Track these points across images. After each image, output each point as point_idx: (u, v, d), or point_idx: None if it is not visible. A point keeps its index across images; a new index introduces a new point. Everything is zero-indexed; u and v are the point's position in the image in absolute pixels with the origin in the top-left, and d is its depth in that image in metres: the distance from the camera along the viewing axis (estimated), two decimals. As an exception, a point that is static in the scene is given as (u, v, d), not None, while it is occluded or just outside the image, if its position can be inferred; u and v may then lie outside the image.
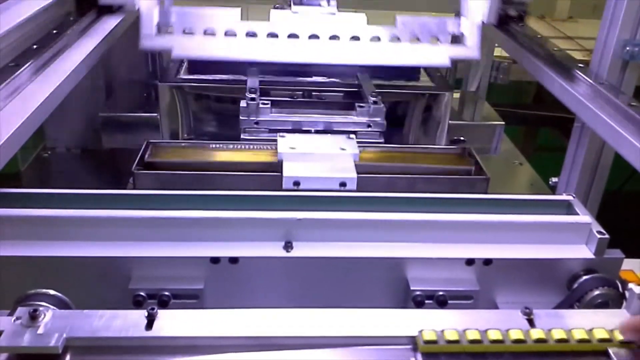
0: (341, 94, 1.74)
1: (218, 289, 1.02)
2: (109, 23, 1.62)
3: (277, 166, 1.30)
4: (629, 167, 1.14)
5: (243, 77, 1.68)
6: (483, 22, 1.65)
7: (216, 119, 1.74)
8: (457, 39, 1.68)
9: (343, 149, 1.35)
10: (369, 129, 1.52)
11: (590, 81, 1.33)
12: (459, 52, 1.63)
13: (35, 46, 1.30)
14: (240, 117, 1.49)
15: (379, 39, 1.64)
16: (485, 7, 1.65)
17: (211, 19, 1.59)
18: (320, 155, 1.34)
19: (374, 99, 1.54)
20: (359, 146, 1.40)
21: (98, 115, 1.73)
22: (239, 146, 1.44)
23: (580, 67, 1.41)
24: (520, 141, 3.58)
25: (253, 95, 1.51)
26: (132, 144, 1.64)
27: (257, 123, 1.50)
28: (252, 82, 1.64)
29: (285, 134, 1.42)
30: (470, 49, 1.61)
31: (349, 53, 1.61)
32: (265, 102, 1.51)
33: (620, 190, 3.40)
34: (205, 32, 1.58)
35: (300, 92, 1.73)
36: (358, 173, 1.28)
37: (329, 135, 1.44)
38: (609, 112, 1.22)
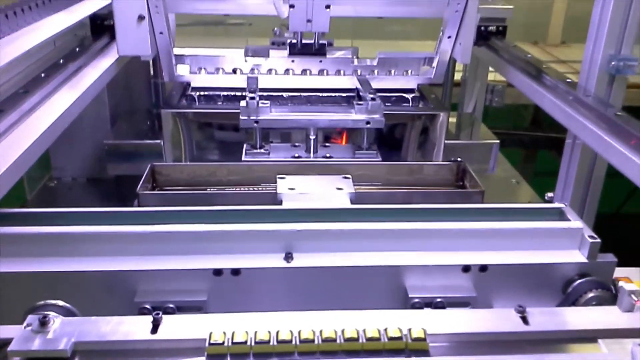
0: (341, 96, 1.85)
1: (221, 301, 1.05)
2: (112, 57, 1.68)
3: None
4: (625, 189, 1.18)
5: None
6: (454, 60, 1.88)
7: (218, 144, 1.79)
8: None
9: (340, 189, 1.35)
10: (368, 126, 1.56)
11: (578, 94, 1.37)
12: (425, 80, 1.92)
13: (43, 74, 1.35)
14: (241, 117, 1.52)
15: (359, 72, 1.90)
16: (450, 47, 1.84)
17: (220, 61, 1.88)
18: (317, 195, 1.33)
19: (372, 96, 1.58)
20: (357, 162, 1.44)
21: (103, 143, 1.77)
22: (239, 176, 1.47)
23: (568, 82, 1.45)
24: (519, 166, 3.62)
25: (253, 95, 1.55)
26: (136, 171, 1.68)
27: (257, 122, 1.53)
28: (252, 82, 1.69)
29: (284, 175, 1.40)
30: (435, 79, 1.90)
31: (334, 82, 1.89)
32: (265, 101, 1.55)
33: (618, 213, 3.43)
34: (216, 70, 1.89)
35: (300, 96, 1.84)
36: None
37: (326, 176, 1.41)
38: (596, 122, 1.27)
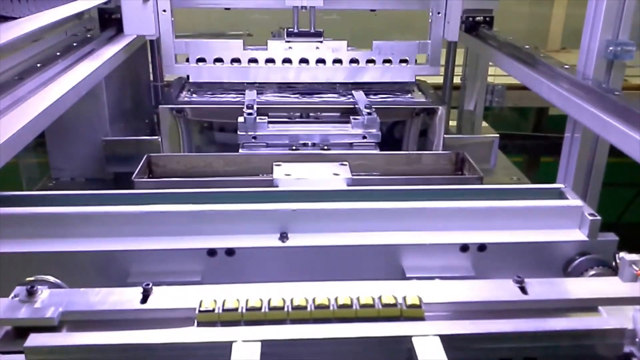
0: (337, 112, 1.79)
1: (215, 282, 1.03)
2: (113, 48, 1.70)
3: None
4: (625, 198, 1.16)
5: (242, 100, 1.74)
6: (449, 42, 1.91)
7: (216, 138, 1.78)
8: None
9: (336, 174, 1.33)
10: (365, 141, 1.55)
11: (576, 78, 1.36)
12: (422, 70, 1.95)
13: (39, 64, 1.35)
14: (239, 133, 1.53)
15: (357, 61, 1.93)
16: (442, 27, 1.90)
17: (219, 49, 1.91)
18: (314, 181, 1.32)
19: (367, 110, 1.58)
20: (355, 153, 1.43)
21: (101, 140, 1.77)
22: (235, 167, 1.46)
23: (566, 68, 1.45)
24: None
25: (250, 111, 1.55)
26: (134, 168, 1.67)
27: (254, 138, 1.53)
28: (250, 98, 1.69)
29: (281, 162, 1.39)
30: (433, 68, 1.94)
31: (332, 73, 1.93)
32: (263, 117, 1.55)
33: (619, 222, 3.40)
34: (215, 60, 1.91)
35: (298, 113, 1.79)
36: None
37: (323, 163, 1.40)
38: (595, 103, 1.25)
